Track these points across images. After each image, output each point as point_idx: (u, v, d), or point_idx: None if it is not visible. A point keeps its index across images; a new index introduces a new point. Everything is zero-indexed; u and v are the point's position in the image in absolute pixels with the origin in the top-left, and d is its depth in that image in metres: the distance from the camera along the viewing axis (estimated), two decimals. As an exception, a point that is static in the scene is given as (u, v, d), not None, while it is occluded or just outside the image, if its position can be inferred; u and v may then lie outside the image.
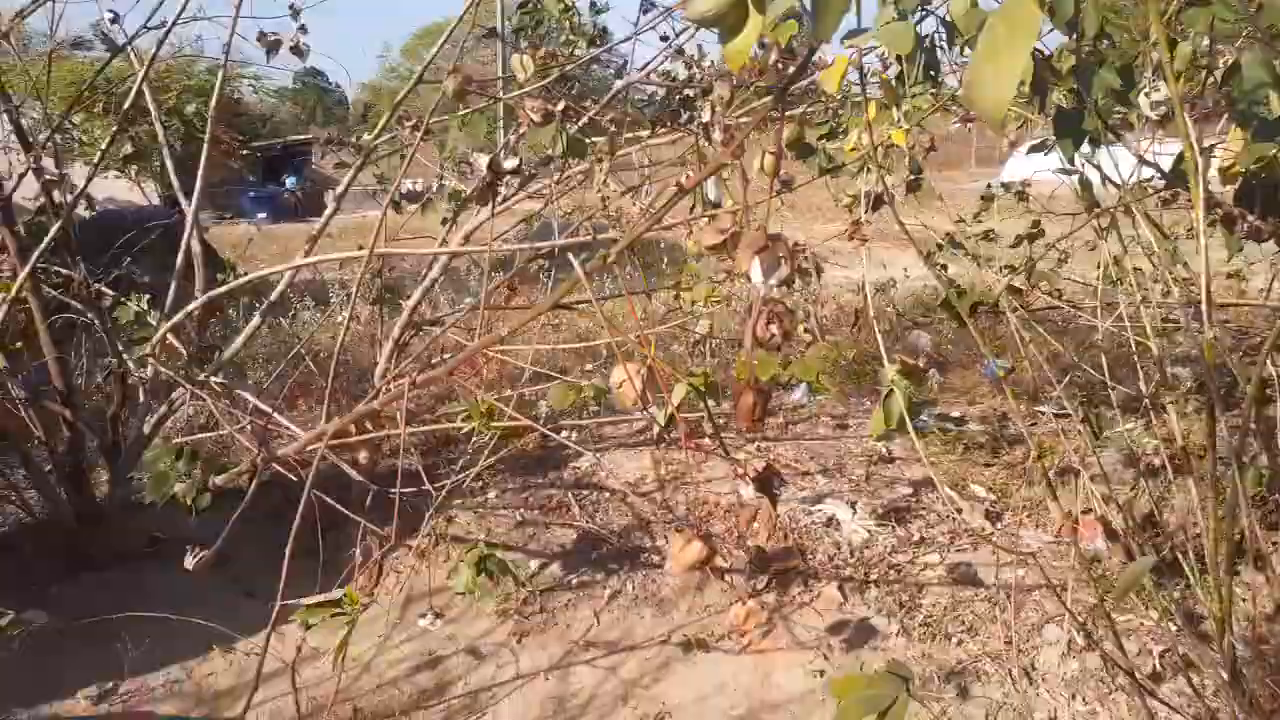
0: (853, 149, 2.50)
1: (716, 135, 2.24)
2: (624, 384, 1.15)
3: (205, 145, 3.55)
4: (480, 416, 2.67)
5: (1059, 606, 3.08)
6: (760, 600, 3.30)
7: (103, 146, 3.60)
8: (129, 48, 3.53)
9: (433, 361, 3.89)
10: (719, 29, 0.83)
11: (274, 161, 23.40)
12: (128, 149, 3.86)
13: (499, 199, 3.64)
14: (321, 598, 1.78)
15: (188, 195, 3.64)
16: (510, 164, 1.74)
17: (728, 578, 3.46)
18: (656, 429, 4.14)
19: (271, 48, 3.36)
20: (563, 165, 3.11)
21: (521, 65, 1.96)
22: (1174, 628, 2.72)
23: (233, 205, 21.23)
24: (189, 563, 1.57)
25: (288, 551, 1.75)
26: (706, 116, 2.21)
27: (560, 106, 2.38)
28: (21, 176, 3.45)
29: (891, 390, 1.72)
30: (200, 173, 3.56)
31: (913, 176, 3.13)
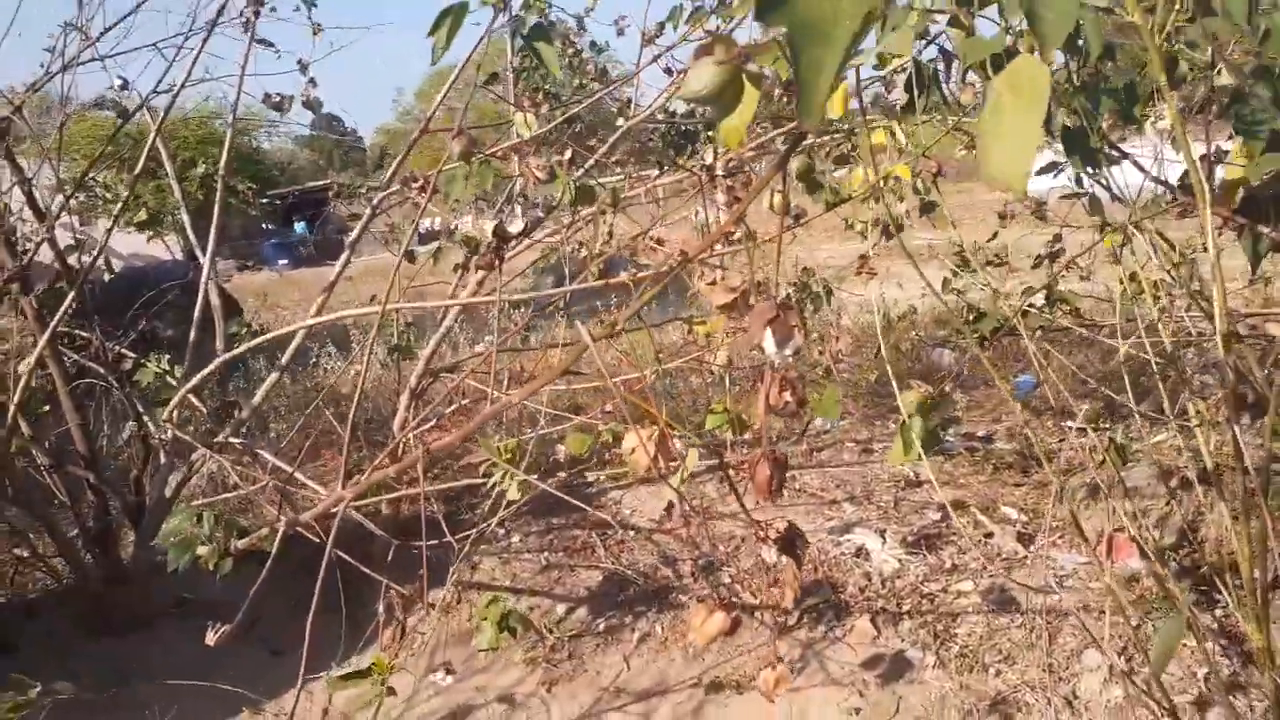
0: (859, 180, 2.48)
1: (719, 174, 2.23)
2: (635, 450, 1.12)
3: (217, 203, 3.59)
4: (505, 462, 2.64)
5: (1097, 630, 3.01)
6: (792, 637, 3.25)
7: (118, 206, 3.64)
8: (144, 107, 3.58)
9: (451, 407, 3.88)
10: (715, 107, 0.81)
11: (294, 208, 23.65)
12: (142, 215, 3.90)
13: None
14: (349, 670, 1.76)
15: (205, 249, 3.66)
16: (515, 228, 1.72)
17: (758, 615, 3.40)
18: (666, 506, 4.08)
19: (277, 107, 3.39)
20: (572, 211, 3.11)
21: (525, 123, 1.95)
22: (1217, 649, 2.65)
23: (254, 253, 21.49)
24: (210, 638, 1.55)
25: (310, 616, 1.73)
26: (709, 159, 2.19)
27: (568, 155, 2.38)
28: (38, 245, 3.49)
29: (907, 420, 1.68)
30: (214, 229, 3.57)
31: (925, 199, 3.11)
